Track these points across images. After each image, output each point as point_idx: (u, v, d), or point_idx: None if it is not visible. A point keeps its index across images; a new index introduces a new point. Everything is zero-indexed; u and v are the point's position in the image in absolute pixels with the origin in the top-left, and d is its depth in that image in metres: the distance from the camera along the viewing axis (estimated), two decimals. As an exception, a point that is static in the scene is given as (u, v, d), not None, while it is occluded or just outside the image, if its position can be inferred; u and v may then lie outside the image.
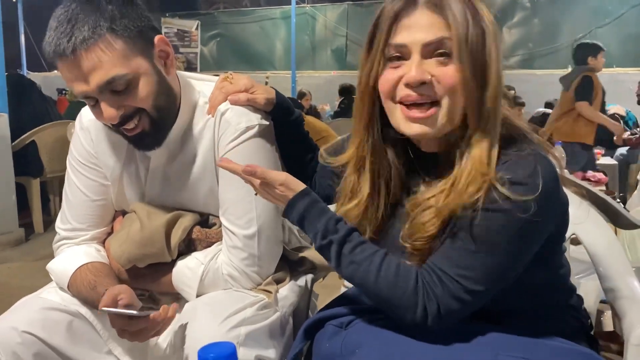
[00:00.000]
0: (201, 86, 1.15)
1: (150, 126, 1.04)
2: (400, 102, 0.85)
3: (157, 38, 1.03)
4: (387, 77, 0.86)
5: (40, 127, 4.02)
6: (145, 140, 1.06)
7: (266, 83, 8.77)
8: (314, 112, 6.42)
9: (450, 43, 0.81)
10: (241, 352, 0.94)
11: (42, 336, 1.03)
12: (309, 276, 1.24)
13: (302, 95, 7.16)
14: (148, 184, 1.16)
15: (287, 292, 1.14)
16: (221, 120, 1.08)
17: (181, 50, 10.80)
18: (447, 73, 0.82)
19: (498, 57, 0.83)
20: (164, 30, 10.39)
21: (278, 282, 1.13)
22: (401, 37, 0.84)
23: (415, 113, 0.84)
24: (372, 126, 0.91)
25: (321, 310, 1.02)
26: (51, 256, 1.21)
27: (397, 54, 0.85)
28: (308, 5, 10.50)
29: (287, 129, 1.15)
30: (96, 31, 0.93)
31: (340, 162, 0.97)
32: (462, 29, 0.80)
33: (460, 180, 0.81)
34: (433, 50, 0.82)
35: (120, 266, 1.12)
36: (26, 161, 3.92)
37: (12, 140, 3.79)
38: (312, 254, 1.28)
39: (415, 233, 0.85)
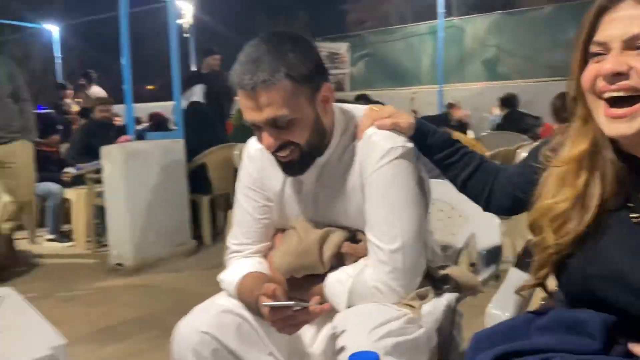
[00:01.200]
0: (352, 112, 1.27)
1: (299, 157, 1.18)
2: (603, 98, 0.84)
3: (324, 86, 1.17)
4: (588, 71, 0.85)
5: (210, 150, 4.50)
6: (293, 168, 1.21)
7: (412, 99, 8.80)
8: (462, 125, 6.29)
9: None
10: (387, 361, 1.00)
11: (217, 336, 1.19)
12: (454, 295, 1.26)
13: (451, 105, 7.08)
14: (303, 204, 1.29)
15: (431, 308, 1.18)
16: (368, 142, 1.19)
17: (332, 72, 11.28)
18: None
19: None
20: (315, 54, 10.91)
21: (421, 298, 1.18)
22: (603, 32, 0.84)
23: (615, 110, 0.82)
24: (588, 125, 0.89)
25: (479, 336, 0.96)
26: (219, 265, 1.40)
27: (600, 50, 0.84)
28: (456, 18, 10.34)
29: (429, 148, 1.23)
30: (275, 75, 1.08)
31: (562, 160, 0.93)
32: None
33: None
34: (635, 43, 0.81)
35: (281, 276, 1.26)
36: (198, 181, 4.41)
37: (187, 162, 4.30)
38: (456, 272, 1.30)
39: None
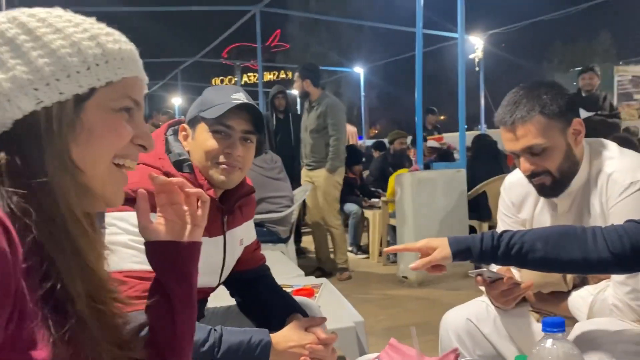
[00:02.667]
0: (608, 157, 1.42)
1: (550, 182, 1.42)
2: None
3: (575, 120, 1.40)
4: None
5: (491, 179, 4.76)
6: (546, 191, 1.45)
7: None
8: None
9: None
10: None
11: (476, 323, 1.54)
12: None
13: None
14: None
15: None
16: (608, 180, 1.37)
17: (635, 97, 10.15)
18: None
19: None
20: (617, 78, 10.04)
21: None
22: None
23: None
24: None
25: None
26: None
27: None
28: None
29: (486, 255, 1.26)
30: (530, 113, 1.37)
31: None
32: None
33: None
34: None
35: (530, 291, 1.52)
36: (477, 207, 4.71)
37: (468, 190, 4.65)
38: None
39: None
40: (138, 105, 0.77)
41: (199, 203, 0.94)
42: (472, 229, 4.69)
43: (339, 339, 1.88)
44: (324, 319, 1.44)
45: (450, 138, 7.96)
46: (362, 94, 14.71)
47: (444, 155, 5.78)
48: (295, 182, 4.72)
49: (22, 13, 0.69)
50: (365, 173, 6.35)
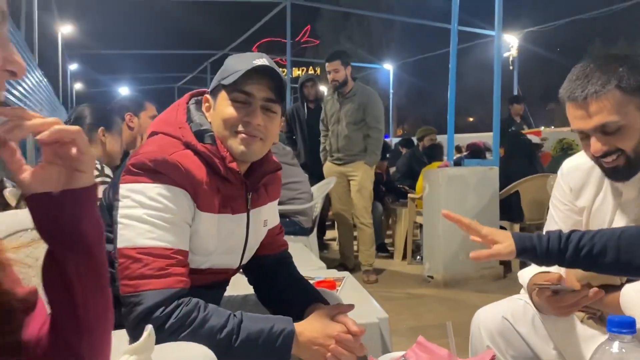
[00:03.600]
0: None
1: (624, 163, 1.26)
2: None
3: None
4: None
5: (525, 179, 4.56)
6: (617, 174, 1.29)
7: None
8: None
9: None
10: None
11: (511, 321, 1.40)
12: None
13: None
14: (617, 216, 1.36)
15: None
16: None
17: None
18: None
19: None
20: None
21: None
22: None
23: None
24: None
25: None
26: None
27: None
28: None
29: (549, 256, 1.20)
30: (606, 87, 1.22)
31: None
32: None
33: None
34: None
35: (577, 282, 1.36)
36: (509, 208, 4.52)
37: (500, 189, 4.46)
38: None
39: None
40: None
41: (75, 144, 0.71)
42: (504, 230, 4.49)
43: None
44: (351, 306, 1.31)
45: (483, 138, 7.76)
46: (391, 91, 14.53)
47: (476, 153, 5.59)
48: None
49: None
50: (392, 170, 6.20)
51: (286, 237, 1.68)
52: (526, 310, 1.42)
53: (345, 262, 4.61)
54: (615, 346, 0.81)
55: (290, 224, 3.64)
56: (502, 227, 4.45)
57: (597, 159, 1.29)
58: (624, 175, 1.28)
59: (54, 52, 15.13)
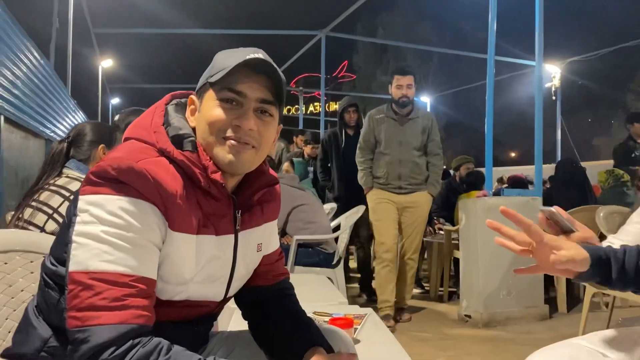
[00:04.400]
0: None
1: None
2: None
3: None
4: None
5: (573, 209, 4.18)
6: None
7: None
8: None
9: None
10: None
11: None
12: None
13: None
14: None
15: None
16: None
17: None
18: None
19: None
20: None
21: None
22: None
23: None
24: None
25: None
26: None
27: None
28: None
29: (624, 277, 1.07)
30: None
31: None
32: None
33: None
34: None
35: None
36: (555, 241, 4.16)
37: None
38: None
39: None
40: None
41: None
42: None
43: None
44: (353, 356, 1.07)
45: (524, 171, 7.40)
46: (429, 123, 14.30)
47: (517, 184, 5.25)
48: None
49: None
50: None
51: (308, 269, 1.47)
52: (586, 355, 1.14)
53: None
54: None
55: (314, 254, 3.41)
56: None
57: None
58: None
59: (94, 84, 15.58)
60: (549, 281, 4.19)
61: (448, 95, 16.45)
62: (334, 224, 4.02)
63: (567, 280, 4.20)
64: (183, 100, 1.12)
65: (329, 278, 3.21)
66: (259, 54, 1.02)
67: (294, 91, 17.58)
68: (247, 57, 0.99)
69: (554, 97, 11.06)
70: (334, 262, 3.61)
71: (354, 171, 4.17)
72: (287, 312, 1.20)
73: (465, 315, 3.93)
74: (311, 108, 29.07)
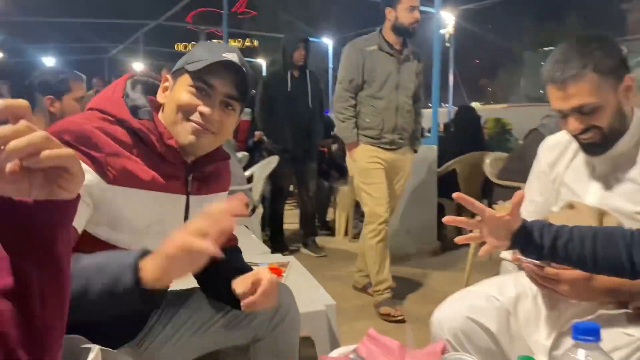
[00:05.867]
0: None
1: (600, 139, 1.33)
2: None
3: (626, 77, 1.31)
4: None
5: (462, 157, 4.67)
6: (593, 149, 1.36)
7: None
8: None
9: None
10: None
11: (477, 319, 1.34)
12: None
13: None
14: (587, 188, 1.42)
15: None
16: None
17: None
18: None
19: None
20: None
21: None
22: None
23: None
24: None
25: None
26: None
27: None
28: None
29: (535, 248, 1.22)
30: (583, 70, 1.27)
31: None
32: None
33: None
34: None
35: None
36: (446, 186, 4.62)
37: (438, 166, 4.54)
38: None
39: None
40: None
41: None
42: (441, 207, 4.61)
43: (308, 322, 1.75)
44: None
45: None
46: (330, 66, 14.42)
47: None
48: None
49: None
50: (334, 147, 6.18)
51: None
52: (490, 303, 1.37)
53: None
54: (581, 354, 0.80)
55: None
56: (440, 205, 4.56)
57: (575, 136, 1.36)
58: (599, 150, 1.35)
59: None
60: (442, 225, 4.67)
61: (349, 37, 16.65)
62: (247, 173, 4.16)
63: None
64: (141, 79, 1.28)
65: (245, 226, 3.41)
66: (235, 54, 1.20)
67: (193, 27, 16.83)
68: (224, 56, 1.17)
69: (447, 44, 11.64)
70: (248, 211, 3.79)
71: (302, 120, 4.02)
72: (235, 267, 1.36)
73: (369, 254, 4.31)
74: (210, 45, 27.91)
